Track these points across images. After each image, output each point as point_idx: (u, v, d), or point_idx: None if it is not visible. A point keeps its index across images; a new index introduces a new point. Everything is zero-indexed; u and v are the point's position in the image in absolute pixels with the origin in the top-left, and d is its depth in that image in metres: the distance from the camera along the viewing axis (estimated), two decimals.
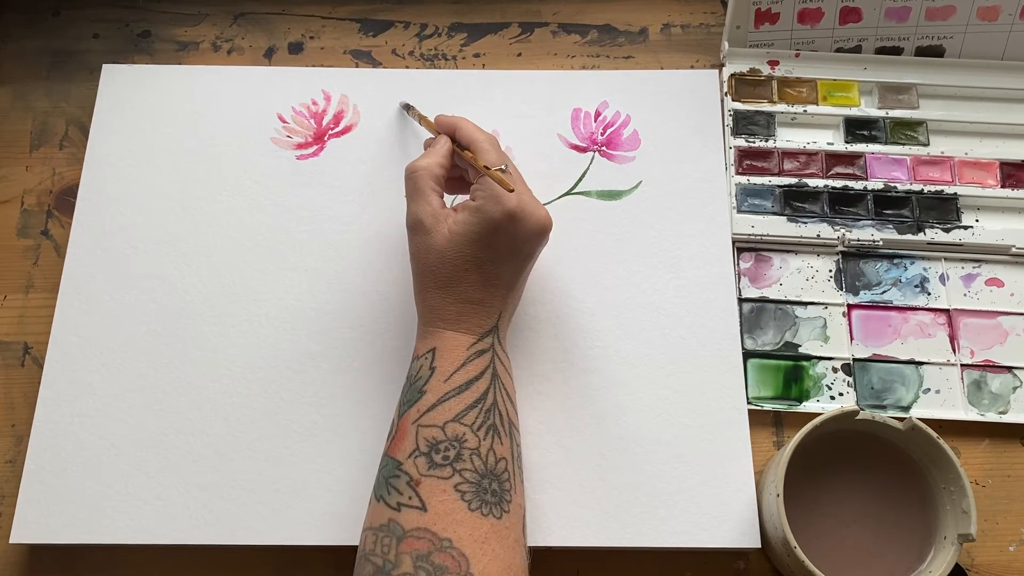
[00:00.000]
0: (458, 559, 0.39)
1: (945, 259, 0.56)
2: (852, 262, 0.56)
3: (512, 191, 0.45)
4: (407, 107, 0.58)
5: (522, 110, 0.60)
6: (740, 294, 0.55)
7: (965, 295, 0.55)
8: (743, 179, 0.58)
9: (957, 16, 0.59)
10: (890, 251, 0.56)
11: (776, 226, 0.56)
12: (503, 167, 0.47)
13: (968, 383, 0.53)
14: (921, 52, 0.61)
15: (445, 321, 0.45)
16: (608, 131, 0.59)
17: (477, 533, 0.40)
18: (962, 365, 0.53)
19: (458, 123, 0.50)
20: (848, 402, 0.52)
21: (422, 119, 0.55)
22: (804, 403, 0.52)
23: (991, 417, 0.52)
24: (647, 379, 0.52)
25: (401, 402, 0.44)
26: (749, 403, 0.52)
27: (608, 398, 0.51)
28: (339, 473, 0.49)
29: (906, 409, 0.52)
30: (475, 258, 0.45)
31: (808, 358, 0.53)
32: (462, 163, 0.50)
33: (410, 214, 0.47)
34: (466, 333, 0.45)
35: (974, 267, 0.56)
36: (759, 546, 0.48)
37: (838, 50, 0.61)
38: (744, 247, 0.56)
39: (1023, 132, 0.59)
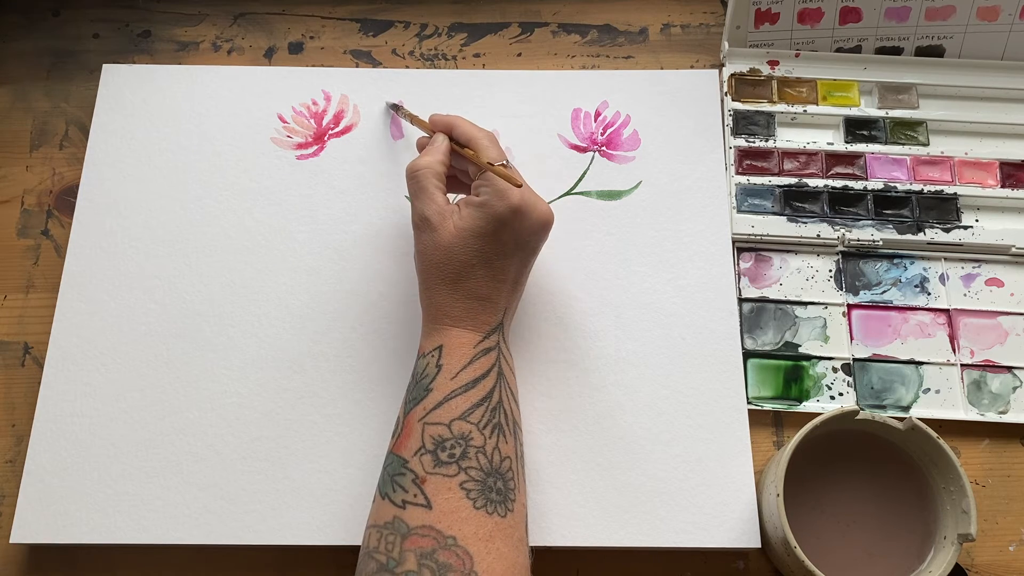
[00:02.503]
0: (463, 557, 0.39)
1: (945, 259, 0.56)
2: (852, 262, 0.56)
3: (520, 186, 0.45)
4: (395, 107, 0.58)
5: (522, 110, 0.60)
6: (740, 294, 0.55)
7: (965, 295, 0.55)
8: (743, 179, 0.58)
9: (957, 16, 0.59)
10: (890, 251, 0.56)
11: (776, 226, 0.56)
12: (504, 163, 0.47)
13: (968, 383, 0.53)
14: (921, 52, 0.61)
15: (452, 318, 0.45)
16: (608, 131, 0.59)
17: (482, 531, 0.40)
18: (962, 365, 0.53)
19: (454, 121, 0.50)
20: (848, 402, 0.52)
21: (413, 119, 0.55)
22: (804, 403, 0.52)
23: (991, 417, 0.52)
24: (647, 379, 0.52)
25: (407, 400, 0.44)
26: (749, 403, 0.52)
27: (608, 398, 0.51)
28: (339, 473, 0.49)
29: (906, 409, 0.52)
30: (482, 252, 0.45)
31: (808, 358, 0.53)
32: (459, 163, 0.50)
33: (415, 213, 0.47)
34: (473, 331, 0.45)
35: (974, 267, 0.56)
36: (759, 546, 0.48)
37: (838, 50, 0.61)
38: (744, 247, 0.56)
39: (1023, 132, 0.59)
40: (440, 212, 0.46)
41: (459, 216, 0.46)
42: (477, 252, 0.45)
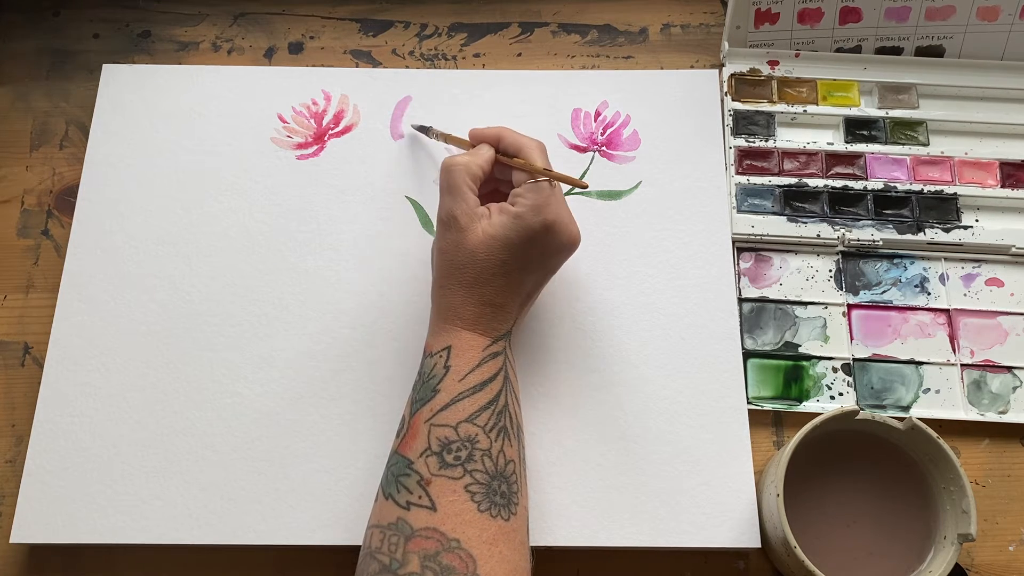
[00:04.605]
0: (466, 560, 0.39)
1: (945, 259, 0.56)
2: (852, 262, 0.56)
3: (586, 187, 0.47)
4: (424, 129, 0.57)
5: (522, 110, 0.60)
6: (740, 294, 0.55)
7: (965, 295, 0.55)
8: (743, 179, 0.58)
9: (957, 16, 0.59)
10: (890, 251, 0.56)
11: (776, 226, 0.56)
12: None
13: (968, 383, 0.53)
14: (921, 52, 0.61)
15: (463, 320, 0.45)
16: (608, 131, 0.59)
17: (485, 534, 0.40)
18: (962, 365, 0.53)
19: (501, 132, 0.49)
20: (848, 402, 0.52)
21: (448, 138, 0.54)
22: (804, 403, 0.52)
23: (991, 417, 0.52)
24: (647, 379, 0.52)
25: (413, 399, 0.44)
26: (749, 403, 0.52)
27: (608, 398, 0.51)
28: (339, 473, 0.49)
29: (906, 409, 0.52)
30: (505, 263, 0.45)
31: (808, 358, 0.53)
32: (502, 174, 0.50)
33: (444, 209, 0.47)
34: (483, 335, 0.45)
35: (974, 267, 0.56)
36: (759, 546, 0.48)
37: (838, 50, 0.61)
38: (744, 247, 0.56)
39: (1023, 132, 0.59)
40: (469, 213, 0.46)
41: (489, 222, 0.45)
42: (501, 262, 0.45)
